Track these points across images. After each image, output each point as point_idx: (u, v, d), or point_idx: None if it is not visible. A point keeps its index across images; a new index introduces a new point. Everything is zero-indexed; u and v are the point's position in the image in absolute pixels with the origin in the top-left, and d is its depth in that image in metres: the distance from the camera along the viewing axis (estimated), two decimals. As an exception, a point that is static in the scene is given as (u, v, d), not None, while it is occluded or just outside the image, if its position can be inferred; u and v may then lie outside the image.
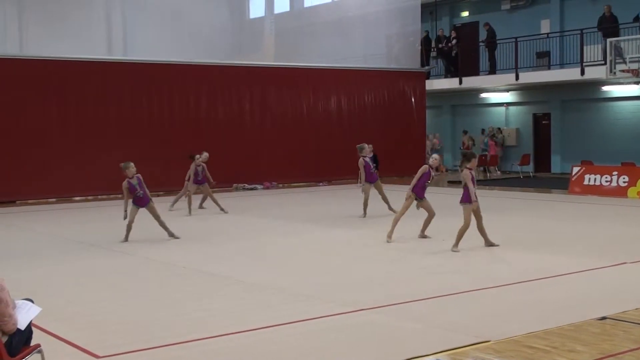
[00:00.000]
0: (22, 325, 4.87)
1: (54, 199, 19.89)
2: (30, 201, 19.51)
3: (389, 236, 11.97)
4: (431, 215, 12.28)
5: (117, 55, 23.23)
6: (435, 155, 12.75)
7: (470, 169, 11.08)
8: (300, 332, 6.82)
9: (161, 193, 21.34)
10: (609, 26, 23.43)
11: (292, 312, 7.50)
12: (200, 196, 17.27)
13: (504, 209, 16.78)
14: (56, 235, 13.74)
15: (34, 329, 5.21)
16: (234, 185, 22.47)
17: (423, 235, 12.30)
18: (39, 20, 22.34)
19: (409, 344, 6.39)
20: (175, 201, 17.15)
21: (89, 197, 20.42)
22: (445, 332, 6.74)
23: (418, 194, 12.12)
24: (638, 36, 22.20)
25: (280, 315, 7.36)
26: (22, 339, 4.91)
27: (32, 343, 5.11)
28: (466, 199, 10.97)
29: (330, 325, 7.05)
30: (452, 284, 8.68)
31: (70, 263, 10.74)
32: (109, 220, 15.90)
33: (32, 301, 5.17)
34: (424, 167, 12.18)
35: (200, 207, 17.26)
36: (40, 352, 5.09)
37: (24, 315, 4.93)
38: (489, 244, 11.36)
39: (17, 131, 19.64)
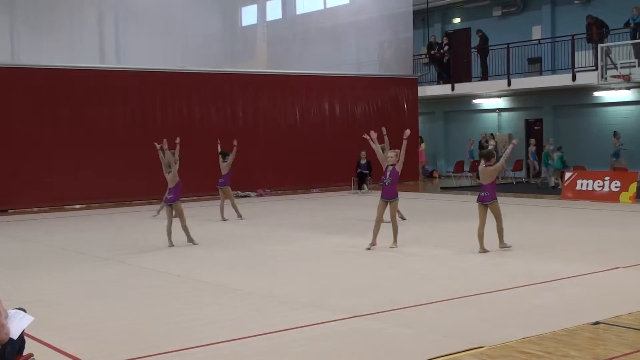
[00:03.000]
0: (14, 335, 4.85)
1: (46, 208, 19.83)
2: (22, 210, 19.44)
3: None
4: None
5: (110, 64, 23.20)
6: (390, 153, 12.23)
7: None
8: (294, 340, 6.81)
9: (154, 201, 21.34)
10: (593, 33, 23.58)
11: (287, 319, 7.48)
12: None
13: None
14: (49, 245, 13.68)
15: (27, 338, 5.19)
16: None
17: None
18: (30, 29, 22.30)
19: (403, 350, 6.38)
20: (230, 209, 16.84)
21: (82, 206, 20.37)
22: (439, 337, 6.74)
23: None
24: (629, 42, 22.31)
25: (274, 322, 7.35)
26: (14, 348, 4.89)
27: (25, 352, 5.09)
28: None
29: (324, 332, 7.05)
30: (446, 290, 8.68)
31: (64, 272, 10.69)
32: (101, 229, 15.86)
33: (24, 310, 5.15)
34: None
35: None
36: (33, 361, 5.08)
37: (16, 324, 4.92)
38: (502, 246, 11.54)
39: (8, 140, 19.58)
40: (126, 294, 9.09)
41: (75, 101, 20.64)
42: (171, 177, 12.84)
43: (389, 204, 12.01)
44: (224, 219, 16.50)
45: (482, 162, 11.49)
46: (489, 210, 11.37)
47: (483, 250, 11.30)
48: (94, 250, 12.69)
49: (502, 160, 11.66)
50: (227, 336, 6.88)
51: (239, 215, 16.67)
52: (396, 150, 12.14)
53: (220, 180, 16.71)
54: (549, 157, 23.63)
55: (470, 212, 16.71)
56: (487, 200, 11.33)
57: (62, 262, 11.55)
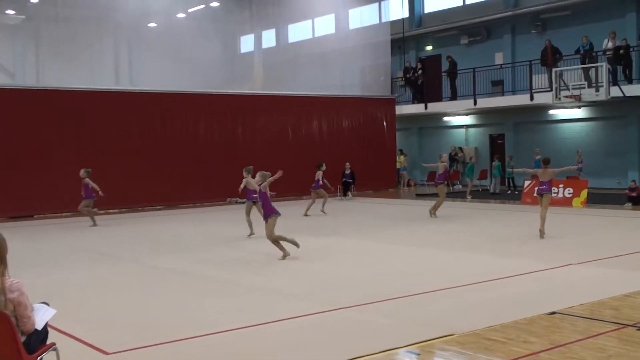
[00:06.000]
0: (39, 326, 4.81)
1: (68, 213, 19.69)
2: (46, 215, 19.31)
3: None
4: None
5: (124, 86, 23.16)
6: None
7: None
8: (286, 329, 6.78)
9: (160, 207, 21.29)
10: (548, 58, 23.76)
11: (281, 311, 7.45)
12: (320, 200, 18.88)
13: (464, 217, 16.85)
14: (70, 246, 13.60)
15: (49, 329, 5.14)
16: (228, 199, 22.43)
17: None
18: (53, 55, 22.29)
19: (383, 338, 6.37)
20: (308, 208, 18.32)
21: (100, 212, 20.21)
22: (415, 326, 6.74)
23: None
24: (579, 66, 22.48)
25: (270, 313, 7.32)
26: (39, 338, 4.84)
27: (48, 342, 5.05)
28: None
29: (314, 322, 7.03)
30: (421, 284, 8.68)
31: (83, 270, 10.62)
32: (117, 232, 15.78)
33: (47, 304, 5.11)
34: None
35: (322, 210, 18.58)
36: (55, 349, 5.03)
37: (40, 316, 4.87)
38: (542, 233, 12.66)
39: (34, 153, 19.45)
40: (139, 290, 9.03)
41: (93, 119, 20.52)
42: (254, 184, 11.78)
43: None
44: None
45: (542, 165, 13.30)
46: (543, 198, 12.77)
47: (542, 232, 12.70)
48: (110, 250, 12.62)
49: (559, 169, 13.95)
50: (227, 326, 6.83)
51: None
52: (264, 173, 11.16)
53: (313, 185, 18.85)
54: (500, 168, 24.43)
55: (443, 216, 16.76)
56: (544, 191, 12.88)
57: (82, 262, 11.46)
